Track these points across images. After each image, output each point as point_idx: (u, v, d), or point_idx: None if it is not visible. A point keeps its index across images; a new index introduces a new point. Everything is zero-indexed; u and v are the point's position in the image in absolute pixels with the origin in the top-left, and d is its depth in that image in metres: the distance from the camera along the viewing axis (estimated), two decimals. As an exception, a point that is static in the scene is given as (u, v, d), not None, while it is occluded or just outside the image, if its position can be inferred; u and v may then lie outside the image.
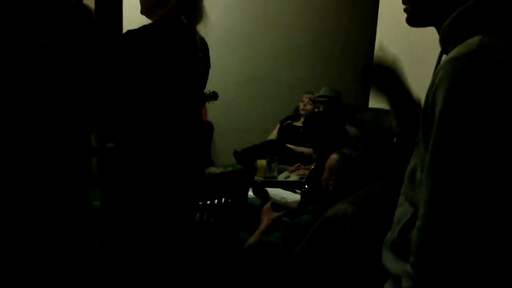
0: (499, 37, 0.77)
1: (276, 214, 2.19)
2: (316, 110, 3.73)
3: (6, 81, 1.45)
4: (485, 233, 0.73)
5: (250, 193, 2.84)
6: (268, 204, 2.29)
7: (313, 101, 3.80)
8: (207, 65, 1.89)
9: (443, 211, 0.75)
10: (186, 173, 1.69)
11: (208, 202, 1.82)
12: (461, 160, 0.73)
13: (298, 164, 3.45)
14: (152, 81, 1.58)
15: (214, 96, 4.21)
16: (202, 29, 1.78)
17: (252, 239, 2.06)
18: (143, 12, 1.71)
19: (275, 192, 2.99)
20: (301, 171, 3.34)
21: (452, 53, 0.79)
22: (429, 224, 0.77)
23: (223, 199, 1.88)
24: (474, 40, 0.77)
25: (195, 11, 1.71)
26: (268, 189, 2.93)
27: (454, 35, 0.83)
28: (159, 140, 1.61)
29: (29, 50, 1.45)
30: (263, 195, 2.73)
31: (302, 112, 3.90)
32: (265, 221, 2.17)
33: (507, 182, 0.72)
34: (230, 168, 3.17)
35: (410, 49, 3.64)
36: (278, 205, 2.33)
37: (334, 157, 2.16)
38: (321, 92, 3.74)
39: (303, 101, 3.93)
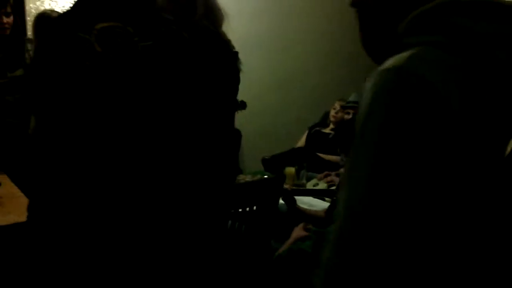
0: (442, 50, 0.74)
1: (305, 234, 2.18)
2: (346, 116, 3.72)
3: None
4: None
5: (280, 200, 2.85)
6: (301, 225, 2.28)
7: (343, 107, 3.78)
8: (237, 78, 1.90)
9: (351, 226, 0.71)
10: (216, 181, 1.70)
11: (240, 210, 1.82)
12: (365, 173, 0.70)
13: (326, 172, 3.43)
14: (194, 91, 1.59)
15: (242, 105, 4.23)
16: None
17: (281, 250, 2.06)
18: None
19: (305, 200, 2.98)
20: (329, 178, 3.33)
21: (384, 64, 0.76)
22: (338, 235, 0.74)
23: (255, 207, 1.88)
24: (406, 54, 0.74)
25: (219, 15, 1.71)
26: (297, 197, 2.93)
27: (400, 42, 0.80)
28: (193, 148, 1.62)
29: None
30: (291, 203, 2.72)
31: (332, 119, 3.89)
32: (294, 236, 2.17)
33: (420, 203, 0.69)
34: (259, 176, 3.17)
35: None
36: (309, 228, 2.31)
37: None
38: (351, 98, 3.72)
39: (334, 108, 3.91)
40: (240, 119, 5.20)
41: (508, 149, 0.74)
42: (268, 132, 4.93)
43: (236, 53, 1.75)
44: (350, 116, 3.66)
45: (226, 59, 1.66)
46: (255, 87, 4.74)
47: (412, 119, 0.67)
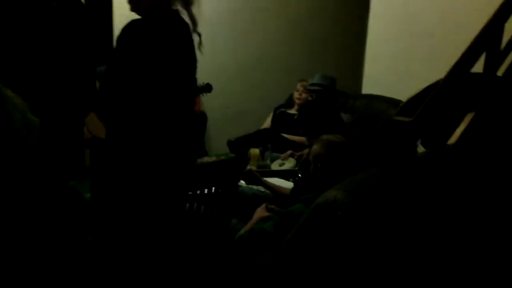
0: None
1: (267, 214, 2.18)
2: (310, 98, 3.71)
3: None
4: None
5: (243, 182, 2.85)
6: (264, 205, 2.28)
7: (307, 90, 3.77)
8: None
9: None
10: (176, 164, 1.67)
11: (199, 191, 1.80)
12: None
13: (290, 151, 3.44)
14: (151, 72, 1.55)
15: (207, 88, 4.17)
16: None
17: (243, 230, 2.06)
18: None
19: (269, 181, 2.98)
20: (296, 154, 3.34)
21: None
22: None
23: (214, 188, 1.87)
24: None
25: None
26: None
27: None
28: (151, 132, 1.59)
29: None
30: (256, 181, 2.71)
31: (297, 101, 3.88)
32: (256, 217, 2.17)
33: None
34: (223, 158, 3.15)
35: (400, 31, 3.62)
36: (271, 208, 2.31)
37: (315, 146, 2.18)
38: (314, 80, 3.70)
39: (297, 90, 3.91)
40: (207, 101, 5.18)
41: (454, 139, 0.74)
42: (234, 115, 4.90)
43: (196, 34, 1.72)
44: (313, 98, 3.66)
45: (182, 40, 1.62)
46: (221, 71, 4.69)
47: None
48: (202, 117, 4.68)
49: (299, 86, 3.90)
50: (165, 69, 1.57)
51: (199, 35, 1.77)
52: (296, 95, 3.90)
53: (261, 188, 2.79)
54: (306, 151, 3.02)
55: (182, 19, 1.67)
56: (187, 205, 1.80)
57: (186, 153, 1.72)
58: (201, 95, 4.25)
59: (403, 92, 3.14)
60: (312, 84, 3.68)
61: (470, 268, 1.61)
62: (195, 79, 1.82)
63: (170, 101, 1.63)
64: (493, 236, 1.64)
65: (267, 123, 4.10)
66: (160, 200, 1.62)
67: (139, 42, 1.50)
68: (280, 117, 3.99)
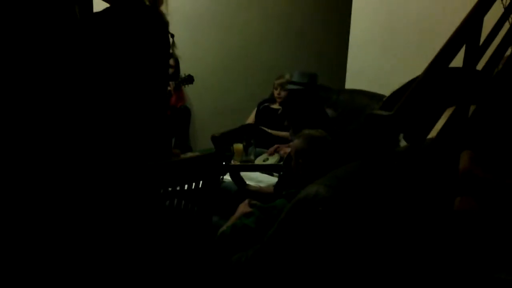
0: None
1: (250, 210, 2.17)
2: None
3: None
4: None
5: (228, 177, 2.84)
6: (247, 201, 2.28)
7: (285, 90, 3.72)
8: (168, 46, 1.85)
9: None
10: (145, 160, 1.65)
11: (178, 188, 1.79)
12: None
13: (276, 146, 3.44)
14: (123, 64, 1.53)
15: (189, 79, 4.15)
16: (172, 10, 1.74)
17: (225, 226, 2.05)
18: None
19: (253, 176, 2.98)
20: (281, 152, 3.34)
21: None
22: None
23: (194, 183, 1.85)
24: None
25: None
26: (245, 172, 2.92)
27: None
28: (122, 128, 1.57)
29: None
30: (240, 182, 2.71)
31: (278, 100, 3.87)
32: (238, 212, 2.16)
33: None
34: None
35: (383, 25, 3.63)
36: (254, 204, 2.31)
37: (296, 141, 2.18)
38: (294, 78, 3.64)
39: (276, 89, 3.89)
40: (191, 97, 5.15)
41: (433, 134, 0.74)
42: (219, 110, 4.89)
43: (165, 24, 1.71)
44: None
45: (157, 31, 1.59)
46: (206, 66, 4.68)
47: None
48: (185, 112, 4.66)
49: (276, 85, 3.89)
50: (140, 59, 1.56)
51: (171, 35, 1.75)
52: (275, 93, 3.90)
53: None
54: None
55: (151, 9, 1.65)
56: (167, 202, 1.79)
57: (156, 148, 1.70)
58: (184, 89, 4.24)
59: (386, 86, 3.16)
60: (291, 83, 3.62)
61: (453, 260, 1.63)
62: (164, 73, 1.79)
63: (136, 93, 1.61)
64: (471, 227, 1.66)
65: (251, 119, 4.09)
66: (130, 197, 1.59)
67: (108, 31, 1.48)
68: (264, 112, 3.98)
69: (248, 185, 2.74)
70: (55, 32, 1.43)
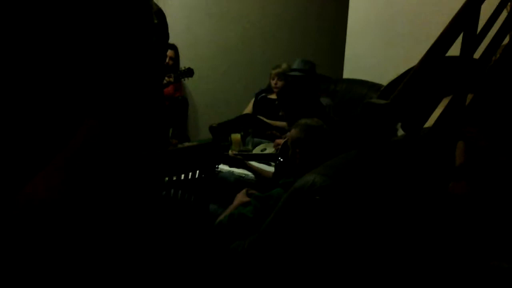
0: None
1: (248, 199, 2.18)
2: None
3: None
4: None
5: (226, 167, 2.84)
6: (244, 190, 2.28)
7: (285, 76, 3.75)
8: (165, 35, 1.82)
9: None
10: (140, 151, 1.64)
11: (175, 177, 1.79)
12: None
13: (278, 140, 3.42)
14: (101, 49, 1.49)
15: (189, 72, 4.14)
16: (169, 1, 1.72)
17: (223, 216, 2.05)
18: None
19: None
20: (276, 142, 3.33)
21: None
22: None
23: (191, 173, 1.85)
24: None
25: None
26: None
27: None
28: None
29: None
30: (239, 164, 2.70)
31: (275, 90, 3.87)
32: (236, 202, 2.17)
33: None
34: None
35: (380, 15, 3.62)
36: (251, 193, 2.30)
37: (292, 131, 2.18)
38: (294, 65, 3.68)
39: (273, 79, 3.89)
40: (189, 87, 5.12)
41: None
42: (216, 101, 4.88)
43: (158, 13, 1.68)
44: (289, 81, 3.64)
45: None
46: (202, 57, 4.67)
47: None
48: (183, 103, 4.65)
49: (273, 75, 3.88)
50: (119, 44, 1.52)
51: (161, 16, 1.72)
52: (272, 84, 3.90)
53: (243, 173, 2.79)
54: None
55: None
56: (164, 191, 1.79)
57: (151, 140, 1.69)
58: (183, 80, 4.22)
59: (384, 76, 3.16)
60: (293, 69, 3.66)
61: (452, 252, 1.63)
62: (157, 58, 1.77)
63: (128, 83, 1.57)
64: (468, 217, 1.67)
65: (248, 109, 4.08)
66: (130, 191, 1.59)
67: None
68: (261, 102, 3.97)
69: (248, 163, 2.72)
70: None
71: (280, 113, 2.92)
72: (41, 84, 1.10)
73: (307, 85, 3.33)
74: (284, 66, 3.82)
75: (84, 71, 1.13)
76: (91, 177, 1.29)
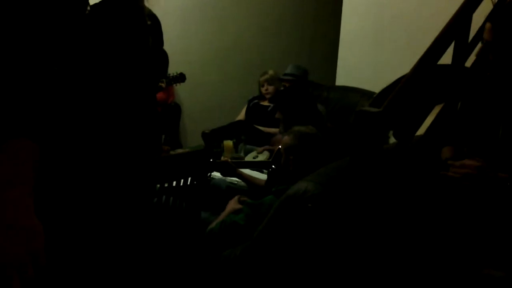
0: None
1: (240, 206, 2.17)
2: (282, 88, 3.72)
3: None
4: None
5: (217, 174, 2.83)
6: (236, 197, 2.28)
7: (280, 79, 3.78)
8: (159, 41, 1.81)
9: None
10: (134, 159, 1.63)
11: (167, 184, 1.78)
12: None
13: (267, 146, 3.43)
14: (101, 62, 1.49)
15: (181, 78, 4.13)
16: (162, 5, 1.70)
17: (214, 223, 2.04)
18: None
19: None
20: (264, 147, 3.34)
21: None
22: None
23: (183, 180, 1.84)
24: None
25: None
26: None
27: None
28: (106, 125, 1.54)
29: None
30: (231, 172, 2.68)
31: (267, 96, 3.89)
32: (228, 209, 2.16)
33: None
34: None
35: (374, 22, 3.64)
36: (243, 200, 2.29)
37: (286, 138, 2.18)
38: (287, 70, 3.71)
39: (262, 86, 3.92)
40: (181, 93, 5.11)
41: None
42: (209, 107, 4.87)
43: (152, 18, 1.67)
44: (286, 86, 3.67)
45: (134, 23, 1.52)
46: (195, 63, 4.65)
47: None
48: (176, 109, 4.64)
49: (262, 81, 3.91)
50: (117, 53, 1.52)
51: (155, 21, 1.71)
52: (263, 90, 3.92)
53: (235, 180, 2.78)
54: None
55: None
56: (156, 198, 1.78)
57: (145, 146, 1.68)
58: (175, 86, 4.21)
59: (377, 83, 3.16)
60: (285, 74, 3.70)
61: (444, 257, 1.63)
62: (153, 65, 1.76)
63: (125, 90, 1.57)
64: (462, 223, 1.67)
65: (241, 115, 4.08)
66: (122, 197, 1.57)
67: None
68: (254, 109, 3.98)
69: (239, 171, 2.71)
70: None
71: (277, 116, 2.91)
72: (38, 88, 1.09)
73: (298, 89, 3.35)
74: (271, 72, 3.87)
75: (76, 78, 1.13)
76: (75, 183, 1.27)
